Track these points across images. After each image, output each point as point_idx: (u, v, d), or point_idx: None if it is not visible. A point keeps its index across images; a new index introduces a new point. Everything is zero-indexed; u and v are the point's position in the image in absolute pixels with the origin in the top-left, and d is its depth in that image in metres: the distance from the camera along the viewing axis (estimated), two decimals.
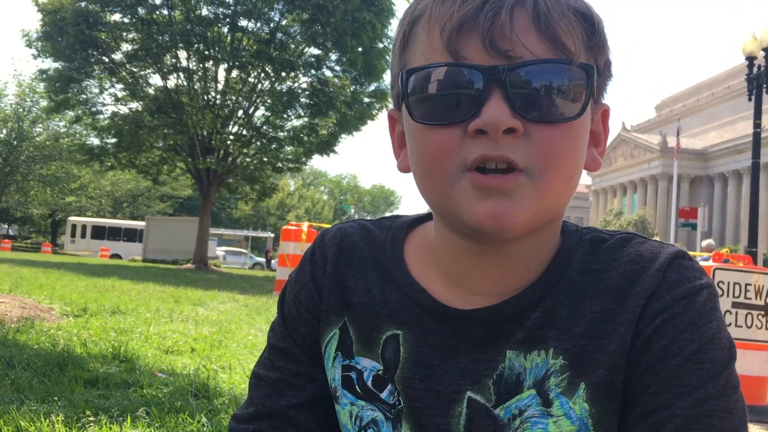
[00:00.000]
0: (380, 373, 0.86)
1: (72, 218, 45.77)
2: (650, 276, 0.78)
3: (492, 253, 0.81)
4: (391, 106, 0.89)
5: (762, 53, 17.10)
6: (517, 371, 0.80)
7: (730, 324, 4.90)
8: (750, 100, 17.68)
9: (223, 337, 5.59)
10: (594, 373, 0.78)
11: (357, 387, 0.88)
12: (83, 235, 43.33)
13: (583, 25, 0.75)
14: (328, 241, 0.93)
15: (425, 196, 0.81)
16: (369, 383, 0.87)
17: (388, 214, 1.07)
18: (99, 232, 43.45)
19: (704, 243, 14.80)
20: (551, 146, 0.73)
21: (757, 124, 16.90)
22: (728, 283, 4.96)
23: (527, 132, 0.72)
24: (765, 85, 16.95)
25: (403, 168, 0.85)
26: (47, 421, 2.63)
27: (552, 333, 0.80)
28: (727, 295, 4.94)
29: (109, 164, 25.81)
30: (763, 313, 4.99)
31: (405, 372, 0.84)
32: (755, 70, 17.47)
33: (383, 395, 0.86)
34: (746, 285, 4.98)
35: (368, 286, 0.89)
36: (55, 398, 3.02)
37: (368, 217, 1.04)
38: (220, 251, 44.89)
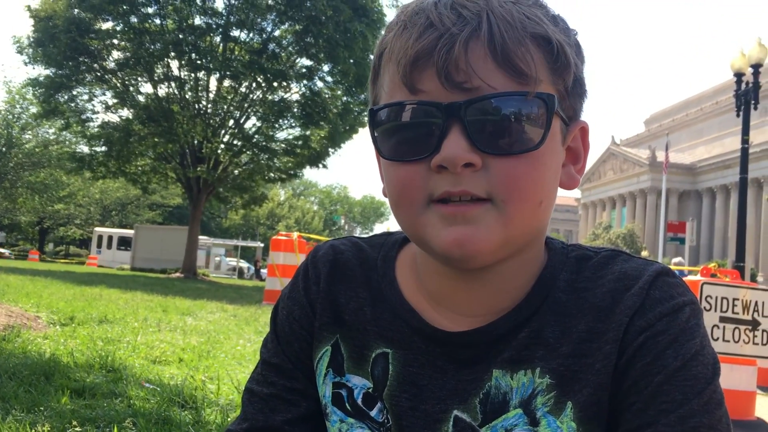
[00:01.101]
0: (370, 390, 0.87)
1: (98, 229, 44.99)
2: (634, 294, 0.79)
3: (471, 277, 0.82)
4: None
5: (750, 70, 17.30)
6: (504, 390, 0.81)
7: (717, 339, 4.93)
8: (738, 116, 17.86)
9: (211, 347, 5.56)
10: (581, 392, 0.78)
11: (347, 404, 0.88)
12: (109, 246, 42.38)
13: (543, 50, 0.75)
14: (321, 258, 0.94)
15: (399, 224, 0.82)
16: (359, 401, 0.87)
17: (379, 231, 1.09)
18: (126, 243, 42.38)
19: (675, 260, 14.97)
20: (512, 177, 0.74)
21: (745, 140, 17.07)
22: (716, 297, 4.99)
23: (487, 164, 0.73)
24: (753, 102, 17.12)
25: (386, 194, 0.87)
26: (33, 431, 2.60)
27: (539, 353, 0.80)
28: (715, 310, 4.97)
29: (100, 173, 25.70)
30: (750, 327, 5.02)
31: (393, 390, 0.85)
32: (743, 86, 17.66)
33: (373, 413, 0.87)
34: (733, 299, 5.01)
35: (360, 304, 0.90)
36: (41, 408, 2.99)
37: (358, 228, 1.05)
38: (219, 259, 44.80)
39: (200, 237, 47.02)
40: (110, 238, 42.77)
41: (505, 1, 0.75)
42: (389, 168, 0.79)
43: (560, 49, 0.76)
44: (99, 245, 43.10)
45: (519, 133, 0.74)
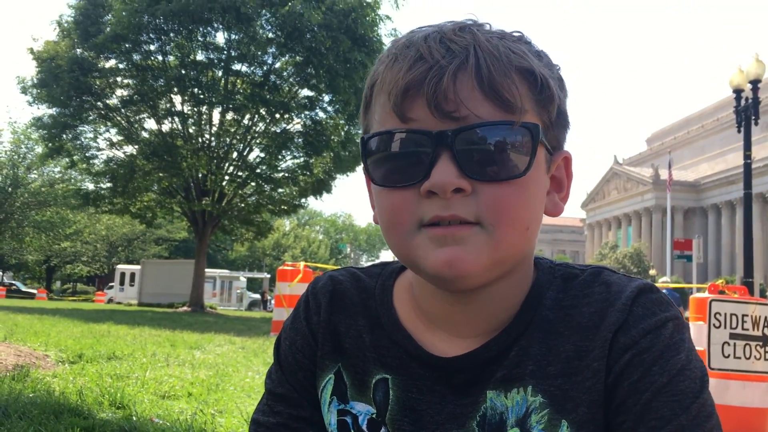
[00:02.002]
0: (374, 416, 0.88)
1: (120, 266, 44.31)
2: (617, 311, 0.81)
3: (465, 299, 0.84)
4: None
5: (749, 86, 17.36)
6: (500, 411, 0.82)
7: (728, 356, 4.89)
8: (739, 132, 17.89)
9: (220, 380, 5.54)
10: (575, 411, 0.79)
11: (352, 431, 0.89)
12: (132, 283, 41.24)
13: (527, 82, 0.78)
14: (320, 289, 0.96)
15: (390, 248, 0.85)
16: (364, 427, 0.89)
17: (385, 258, 1.11)
18: None
19: (660, 280, 15.07)
20: (500, 202, 0.76)
21: (748, 156, 17.07)
22: (725, 314, 4.96)
23: (476, 190, 0.76)
24: (753, 117, 17.16)
25: (376, 221, 0.89)
26: None
27: (528, 369, 0.82)
28: (725, 327, 4.94)
29: (105, 209, 25.81)
30: (761, 343, 4.98)
31: (394, 415, 0.87)
32: (743, 102, 17.71)
33: None
34: (743, 316, 4.98)
35: (359, 332, 0.92)
36: None
37: (364, 256, 1.08)
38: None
39: (219, 270, 46.63)
40: (132, 275, 41.38)
41: (491, 36, 0.79)
42: (381, 194, 0.81)
43: (544, 81, 0.79)
44: (122, 282, 42.19)
45: (506, 160, 0.76)
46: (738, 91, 17.84)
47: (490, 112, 0.75)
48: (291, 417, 0.93)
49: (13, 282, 53.80)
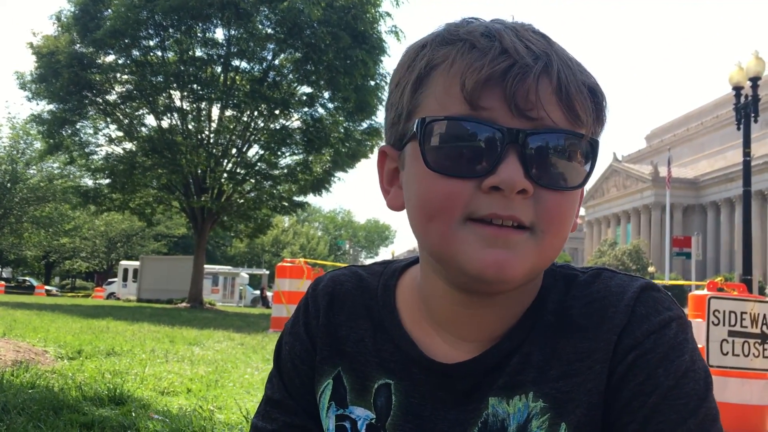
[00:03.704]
0: (373, 422, 0.88)
1: (123, 262, 43.98)
2: (620, 311, 0.81)
3: (479, 303, 0.83)
4: (381, 142, 0.91)
5: (748, 83, 17.35)
6: (501, 417, 0.82)
7: (727, 353, 4.90)
8: (739, 129, 17.89)
9: (219, 376, 5.54)
10: (574, 413, 0.79)
11: None
12: (134, 279, 40.31)
13: (593, 101, 0.79)
14: (321, 291, 0.96)
15: (423, 240, 0.81)
16: None
17: (384, 255, 1.10)
18: None
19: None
20: (557, 210, 0.77)
21: (747, 153, 17.08)
22: (723, 311, 4.96)
23: (537, 194, 0.75)
24: (753, 115, 17.16)
25: (395, 206, 0.86)
26: None
27: (530, 376, 0.82)
28: (723, 324, 4.94)
29: (104, 207, 25.81)
30: (759, 341, 4.99)
31: (396, 420, 0.86)
32: (742, 99, 17.71)
33: None
34: (741, 313, 4.98)
35: (361, 335, 0.91)
36: None
37: (363, 253, 1.07)
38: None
39: (220, 267, 46.45)
40: (135, 271, 40.48)
41: (561, 48, 0.80)
42: (432, 179, 0.77)
43: (604, 102, 0.81)
44: (125, 278, 41.91)
45: (569, 169, 0.77)
46: (738, 89, 17.83)
47: (562, 121, 0.76)
48: (286, 424, 0.93)
49: (26, 278, 53.72)
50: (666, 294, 0.83)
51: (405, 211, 0.84)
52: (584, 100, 0.77)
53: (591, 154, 0.78)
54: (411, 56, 0.82)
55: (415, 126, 0.79)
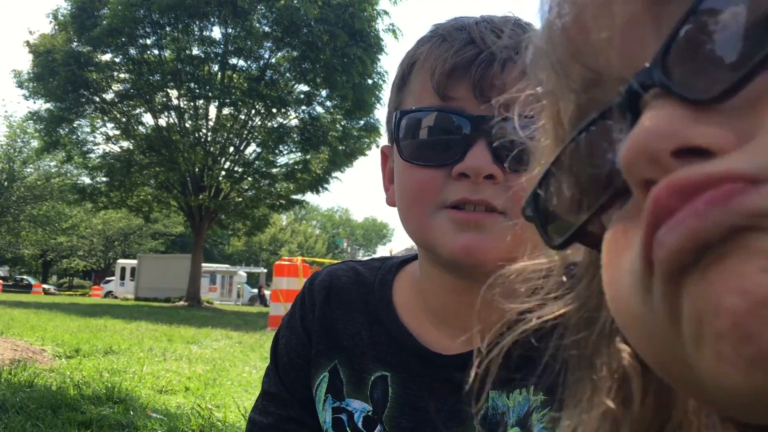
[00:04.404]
0: (370, 413, 0.88)
1: (121, 261, 43.76)
2: None
3: (472, 288, 0.82)
4: (383, 141, 0.92)
5: None
6: (501, 411, 0.82)
7: None
8: None
9: (217, 375, 5.55)
10: None
11: (348, 429, 0.89)
12: (132, 278, 40.03)
13: None
14: (317, 286, 0.96)
15: (406, 229, 0.84)
16: (359, 424, 0.89)
17: (382, 253, 1.11)
18: None
19: None
20: None
21: None
22: None
23: (508, 179, 0.76)
24: None
25: (392, 202, 0.88)
26: None
27: (532, 371, 0.82)
28: None
29: (101, 204, 25.78)
30: None
31: (393, 412, 0.87)
32: None
33: None
34: None
35: (357, 329, 0.91)
36: None
37: (361, 251, 1.07)
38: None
39: (218, 265, 46.37)
40: (133, 269, 40.09)
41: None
42: (407, 171, 0.80)
43: None
44: (122, 277, 41.58)
45: None
46: None
47: None
48: (281, 418, 0.93)
49: (24, 277, 53.41)
50: None
51: None
52: None
53: None
54: (403, 58, 0.86)
55: (393, 121, 0.82)
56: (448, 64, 0.76)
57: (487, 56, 0.75)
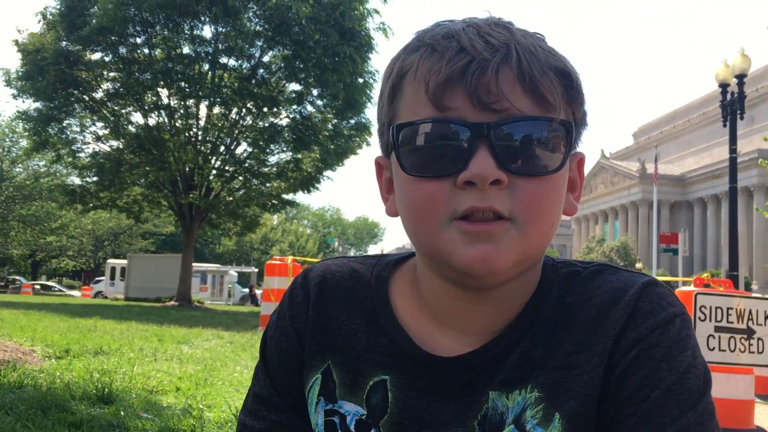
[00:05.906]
0: (363, 417, 0.87)
1: (111, 261, 43.42)
2: (621, 307, 0.81)
3: (478, 297, 0.83)
4: (374, 140, 0.92)
5: (734, 80, 17.48)
6: (501, 411, 0.83)
7: (713, 348, 4.94)
8: (725, 126, 18.01)
9: (208, 375, 5.53)
10: (568, 403, 0.80)
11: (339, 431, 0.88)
12: (122, 278, 39.44)
13: (562, 82, 0.79)
14: (311, 281, 0.94)
15: (414, 241, 0.83)
16: (351, 427, 0.88)
17: (373, 252, 1.10)
18: None
19: None
20: (535, 197, 0.77)
21: (733, 150, 17.20)
22: (710, 307, 5.01)
23: (512, 184, 0.76)
24: (739, 112, 17.28)
25: (392, 212, 0.88)
26: None
27: (531, 373, 0.83)
28: (710, 320, 4.99)
29: (91, 205, 25.63)
30: (745, 336, 5.04)
31: (394, 417, 0.86)
32: (728, 96, 17.82)
33: None
34: (728, 309, 5.03)
35: (353, 329, 0.90)
36: None
37: (352, 250, 1.06)
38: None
39: (209, 265, 46.21)
40: (123, 269, 39.49)
41: (525, 34, 0.80)
42: (412, 184, 0.79)
43: (576, 82, 0.81)
44: (112, 277, 41.25)
45: (542, 156, 0.77)
46: (724, 86, 17.94)
47: (529, 108, 0.76)
48: (273, 424, 0.92)
49: (17, 278, 53.06)
50: (669, 290, 0.84)
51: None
52: (550, 84, 0.77)
53: (565, 136, 0.79)
54: (389, 67, 0.85)
55: (390, 134, 0.81)
56: (442, 75, 0.76)
57: (479, 63, 0.75)
